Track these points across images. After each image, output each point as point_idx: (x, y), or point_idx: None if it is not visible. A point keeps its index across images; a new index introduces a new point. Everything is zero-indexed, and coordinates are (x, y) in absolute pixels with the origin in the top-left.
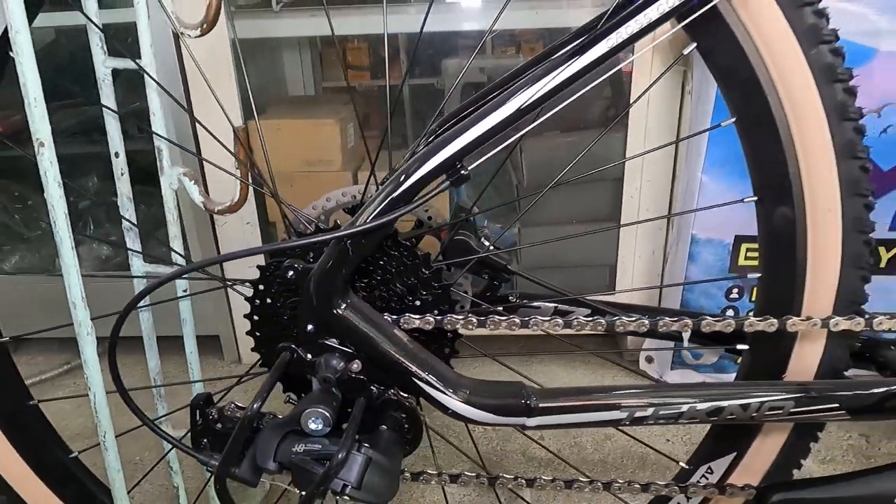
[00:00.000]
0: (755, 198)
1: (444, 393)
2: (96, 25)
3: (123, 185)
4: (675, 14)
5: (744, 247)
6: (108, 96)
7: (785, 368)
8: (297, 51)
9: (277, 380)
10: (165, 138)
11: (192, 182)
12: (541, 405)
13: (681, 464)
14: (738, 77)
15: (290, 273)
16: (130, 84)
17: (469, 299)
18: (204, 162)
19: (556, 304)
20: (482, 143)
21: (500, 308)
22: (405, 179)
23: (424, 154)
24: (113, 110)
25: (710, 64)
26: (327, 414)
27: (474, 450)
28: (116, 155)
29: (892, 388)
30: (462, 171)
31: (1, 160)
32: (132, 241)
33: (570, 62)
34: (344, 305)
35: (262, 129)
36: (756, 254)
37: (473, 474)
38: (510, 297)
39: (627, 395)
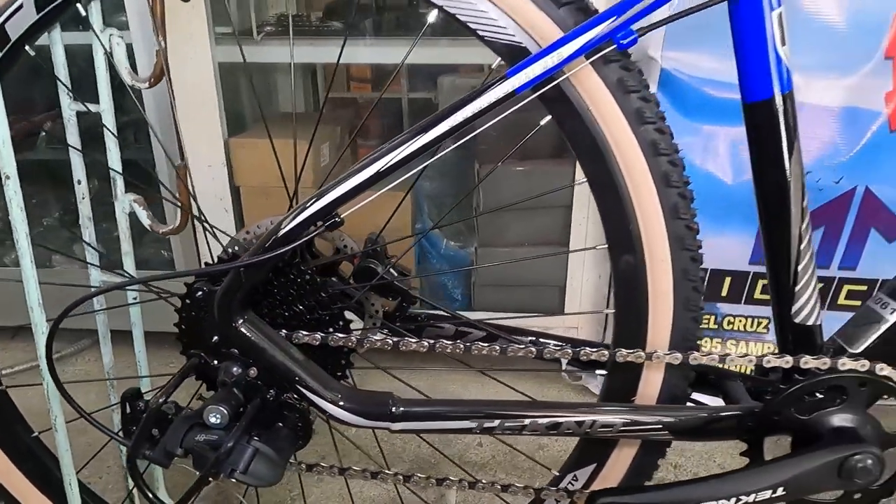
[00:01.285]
0: (606, 246)
1: (323, 398)
2: (63, 84)
3: (84, 208)
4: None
5: None
6: (72, 135)
7: (635, 392)
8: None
9: (182, 380)
10: (119, 172)
11: (141, 207)
12: (403, 412)
13: (554, 472)
14: (586, 146)
15: (199, 293)
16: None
17: (379, 319)
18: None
19: (457, 326)
20: (350, 197)
21: (411, 326)
22: (287, 223)
23: (305, 203)
24: (77, 148)
25: (563, 132)
26: (224, 411)
27: (378, 449)
28: (79, 182)
29: (711, 415)
30: (336, 219)
31: None
32: (90, 257)
33: (429, 130)
34: (241, 321)
35: (243, 145)
36: None
37: (360, 468)
38: (419, 318)
39: (478, 408)
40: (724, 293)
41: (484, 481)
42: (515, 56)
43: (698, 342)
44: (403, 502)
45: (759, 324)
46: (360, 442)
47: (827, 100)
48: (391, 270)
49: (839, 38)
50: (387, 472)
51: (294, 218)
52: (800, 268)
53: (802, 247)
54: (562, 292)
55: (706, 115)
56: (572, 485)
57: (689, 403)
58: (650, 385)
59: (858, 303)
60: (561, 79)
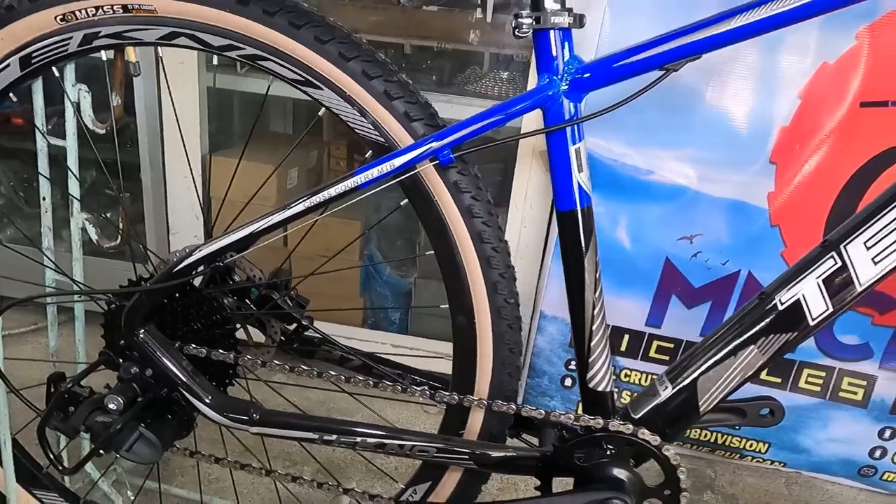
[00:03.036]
0: (447, 305)
1: (198, 400)
2: (38, 128)
3: (46, 220)
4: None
5: None
6: (43, 163)
7: (464, 426)
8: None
9: (91, 370)
10: (76, 197)
11: (91, 225)
12: (260, 419)
13: (400, 484)
14: (433, 227)
15: (111, 306)
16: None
17: (277, 339)
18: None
19: (341, 353)
20: (230, 250)
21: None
22: (179, 262)
23: (199, 246)
24: (45, 176)
25: (416, 213)
26: (121, 400)
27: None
28: (44, 198)
29: (510, 453)
30: (220, 263)
31: (16, 147)
32: (48, 261)
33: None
34: (142, 332)
35: (222, 165)
36: None
37: (233, 460)
38: (313, 342)
39: (322, 424)
40: (623, 348)
41: (333, 485)
42: (380, 151)
43: (514, 392)
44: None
45: (652, 379)
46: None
47: (721, 192)
48: (286, 300)
49: (737, 139)
50: (254, 466)
51: (189, 256)
52: (592, 344)
53: (594, 327)
54: None
55: (614, 191)
56: (412, 497)
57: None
58: (475, 423)
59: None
60: (412, 173)
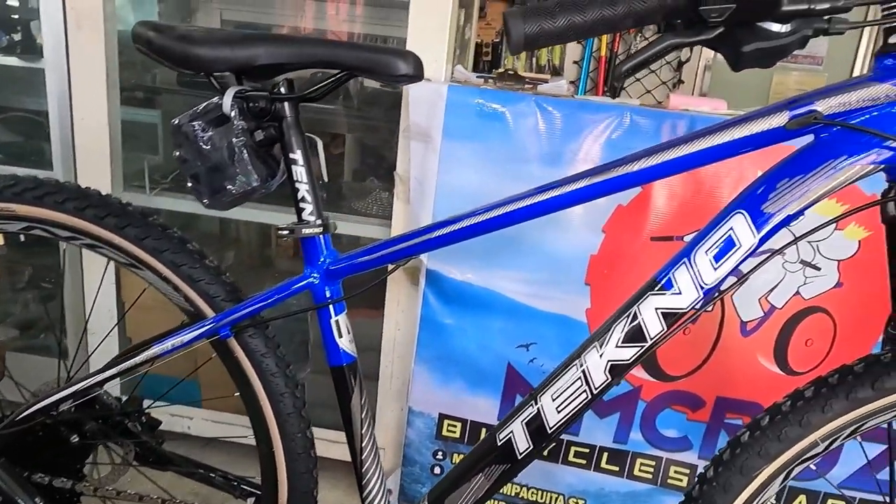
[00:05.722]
0: (245, 437)
1: None
2: None
3: None
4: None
5: (445, 422)
6: None
7: None
8: None
9: None
10: None
11: None
12: None
13: None
14: (238, 377)
15: None
16: None
17: (132, 455)
18: None
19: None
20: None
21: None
22: (24, 412)
23: (32, 403)
24: None
25: (225, 367)
26: None
27: None
28: None
29: None
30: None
31: None
32: None
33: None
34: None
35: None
36: (455, 427)
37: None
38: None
39: None
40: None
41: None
42: (193, 318)
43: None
44: None
45: None
46: None
47: (549, 307)
48: (137, 424)
49: (558, 263)
50: None
51: (27, 409)
52: (364, 469)
53: (365, 455)
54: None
55: (463, 307)
56: None
57: None
58: None
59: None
60: (220, 335)
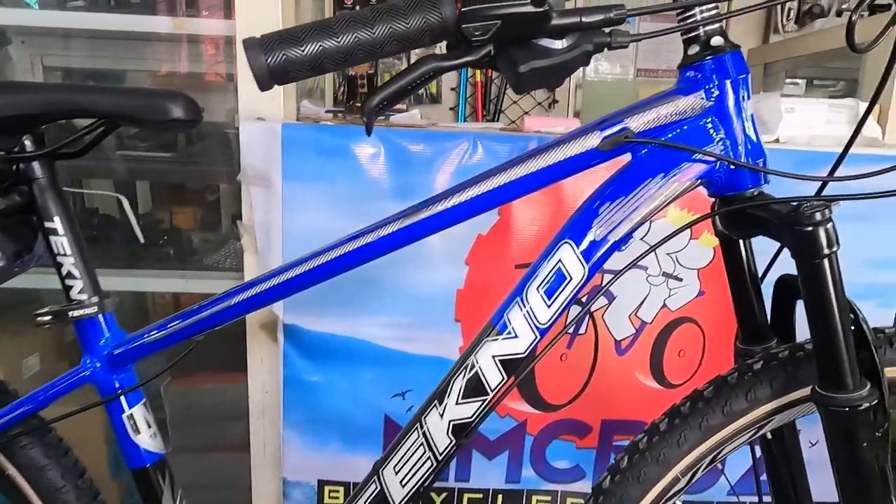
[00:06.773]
0: None
1: None
2: None
3: None
4: None
5: (326, 488)
6: None
7: None
8: None
9: None
10: None
11: None
12: None
13: None
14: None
15: None
16: None
17: None
18: None
19: None
20: None
21: None
22: None
23: None
24: None
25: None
26: None
27: None
28: None
29: None
30: None
31: None
32: None
33: None
34: None
35: None
36: (338, 493)
37: None
38: None
39: None
40: None
41: None
42: None
43: None
44: None
45: None
46: None
47: (420, 350)
48: None
49: (424, 303)
50: None
51: None
52: None
53: None
54: (248, 491)
55: (328, 360)
56: None
57: None
58: None
59: None
60: None
